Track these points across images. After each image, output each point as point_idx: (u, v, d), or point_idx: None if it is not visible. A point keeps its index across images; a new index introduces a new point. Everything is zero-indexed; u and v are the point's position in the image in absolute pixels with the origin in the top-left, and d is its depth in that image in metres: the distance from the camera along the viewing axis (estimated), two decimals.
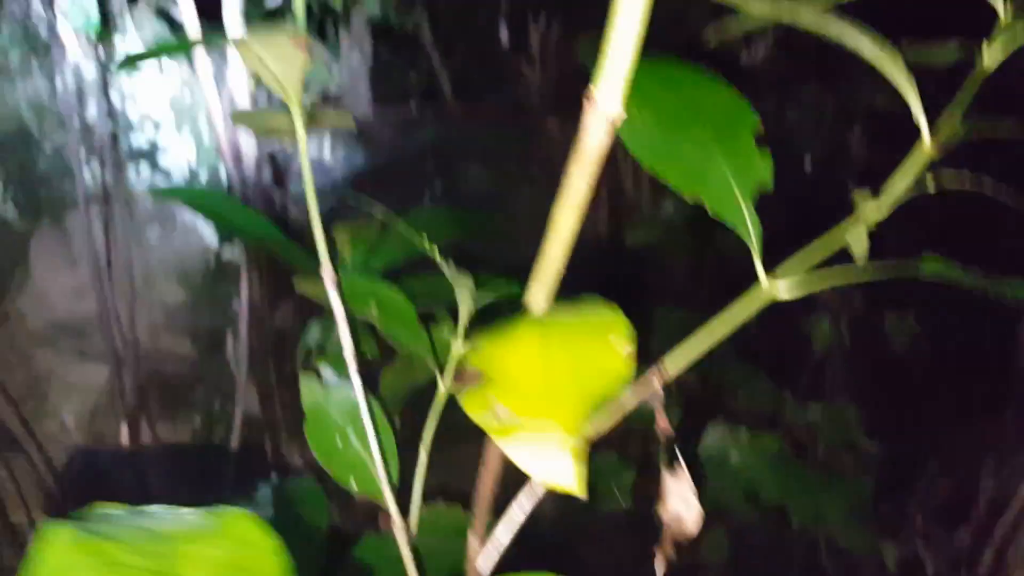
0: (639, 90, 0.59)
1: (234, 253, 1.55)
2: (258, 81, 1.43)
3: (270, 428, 1.58)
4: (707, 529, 1.65)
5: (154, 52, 0.40)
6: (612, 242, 2.06)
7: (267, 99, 1.44)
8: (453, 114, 2.08)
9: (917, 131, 0.55)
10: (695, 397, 1.55)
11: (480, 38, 2.25)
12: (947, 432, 1.75)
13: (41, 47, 1.38)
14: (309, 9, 1.58)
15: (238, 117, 0.69)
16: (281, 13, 1.88)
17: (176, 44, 0.42)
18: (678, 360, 0.55)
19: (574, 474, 0.34)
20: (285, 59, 0.53)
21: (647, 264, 1.97)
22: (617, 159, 2.20)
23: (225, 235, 1.49)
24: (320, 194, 1.07)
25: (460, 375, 0.38)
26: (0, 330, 1.48)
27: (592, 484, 1.62)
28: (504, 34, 2.00)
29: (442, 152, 2.00)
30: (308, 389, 0.72)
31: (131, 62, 0.38)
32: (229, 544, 0.39)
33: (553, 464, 0.35)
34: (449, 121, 2.09)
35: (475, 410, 0.37)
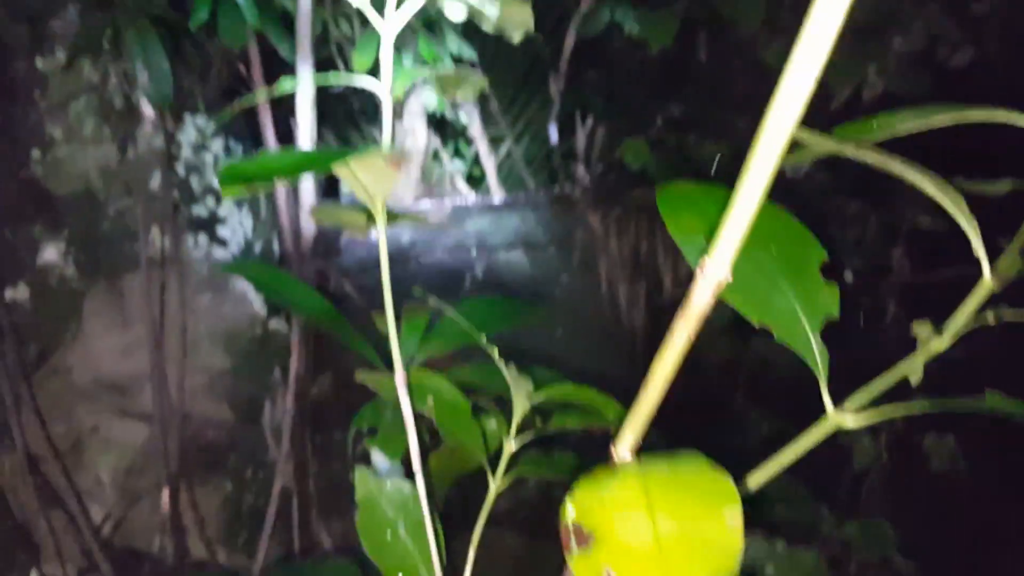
0: (707, 217, 0.60)
1: (281, 324, 1.57)
2: None
3: (301, 500, 1.59)
4: None
5: (260, 174, 0.42)
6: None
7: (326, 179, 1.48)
8: (499, 202, 2.13)
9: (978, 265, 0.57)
10: None
11: (530, 133, 2.31)
12: (983, 555, 1.72)
13: (115, 116, 1.44)
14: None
15: (318, 212, 0.72)
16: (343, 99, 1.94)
17: (283, 165, 0.44)
18: (749, 486, 0.56)
19: None
20: (378, 174, 0.56)
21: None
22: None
23: (274, 307, 1.52)
24: (371, 273, 1.10)
25: (571, 533, 0.38)
26: (49, 383, 1.51)
27: None
28: (553, 132, 2.06)
29: (486, 238, 2.04)
30: (362, 481, 0.72)
31: (234, 182, 0.40)
32: None
33: None
34: (494, 209, 2.13)
35: (583, 573, 0.37)
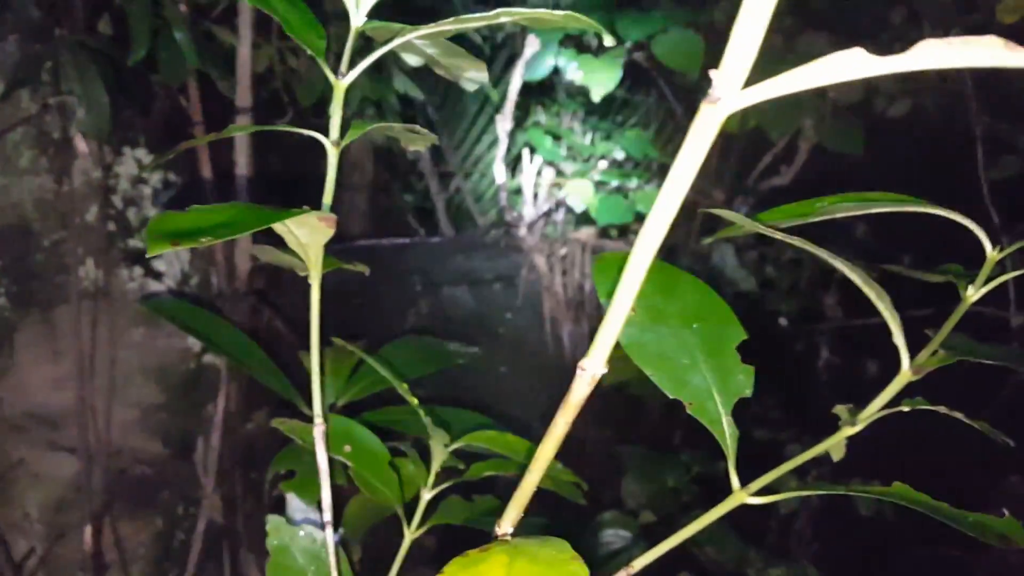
0: (641, 292, 0.62)
1: (215, 358, 1.57)
2: None
3: (231, 537, 1.57)
4: None
5: (190, 232, 0.42)
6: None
7: None
8: (445, 238, 2.14)
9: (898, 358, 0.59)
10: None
11: (479, 171, 2.33)
12: None
13: (52, 148, 1.43)
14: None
15: (257, 251, 0.72)
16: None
17: (215, 223, 0.44)
18: (648, 558, 0.58)
19: None
20: (312, 229, 0.57)
21: (622, 399, 1.99)
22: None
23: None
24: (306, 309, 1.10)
25: None
26: None
27: None
28: (500, 172, 2.08)
29: (430, 274, 2.05)
30: (275, 529, 0.73)
31: (163, 239, 0.40)
32: None
33: None
34: (440, 245, 2.14)
35: None
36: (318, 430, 0.65)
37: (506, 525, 0.45)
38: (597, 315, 2.22)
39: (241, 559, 1.55)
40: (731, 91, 0.32)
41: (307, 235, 0.56)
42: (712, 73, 0.31)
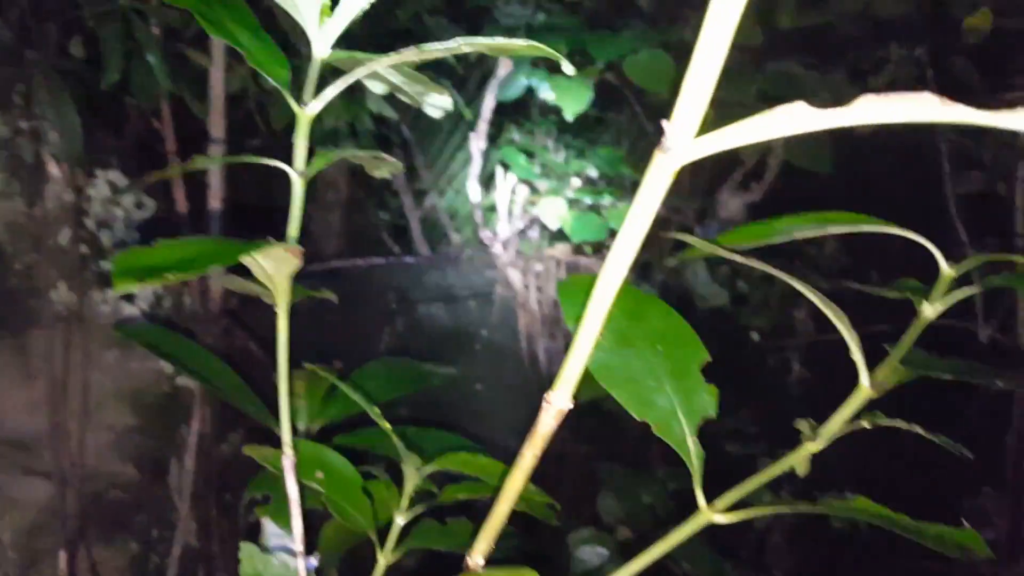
0: (608, 316, 0.63)
1: (189, 381, 1.56)
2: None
3: (206, 561, 1.56)
4: None
5: (157, 269, 0.42)
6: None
7: None
8: (420, 258, 2.15)
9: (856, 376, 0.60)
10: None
11: (454, 188, 2.34)
12: None
13: (24, 171, 1.43)
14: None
15: (224, 281, 0.73)
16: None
17: (182, 259, 0.45)
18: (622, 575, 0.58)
19: None
20: (278, 260, 0.57)
21: (598, 416, 2.00)
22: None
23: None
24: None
25: None
26: None
27: None
28: (474, 190, 2.09)
29: (404, 291, 2.06)
30: (248, 557, 0.73)
31: (128, 276, 0.40)
32: None
33: None
34: (415, 267, 2.15)
35: None
36: (287, 461, 0.65)
37: (477, 556, 0.46)
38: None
39: None
40: (683, 141, 0.33)
41: (273, 266, 0.56)
42: (664, 124, 0.33)
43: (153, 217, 1.53)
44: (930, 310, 0.60)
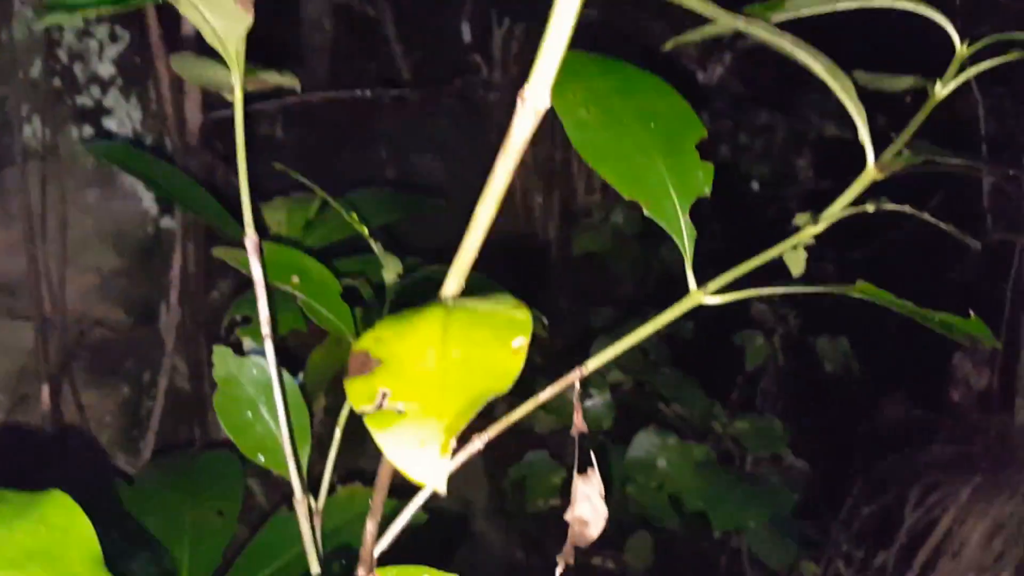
0: (591, 91, 0.59)
1: (173, 222, 1.52)
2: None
3: (197, 403, 1.56)
4: (631, 534, 1.67)
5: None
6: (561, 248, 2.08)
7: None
8: (410, 103, 2.07)
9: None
10: (630, 403, 1.56)
11: (443, 33, 2.25)
12: (874, 457, 1.78)
13: None
14: None
15: (175, 62, 0.67)
16: None
17: None
18: (601, 357, 0.56)
19: (438, 469, 0.33)
20: (227, 16, 0.52)
21: (593, 269, 1.98)
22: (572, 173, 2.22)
23: (164, 202, 1.46)
24: (267, 170, 1.06)
25: (355, 360, 0.37)
26: None
27: (521, 481, 1.63)
28: (466, 30, 2.00)
29: (395, 138, 2.00)
30: (221, 359, 0.70)
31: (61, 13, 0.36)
32: (41, 529, 0.37)
33: (418, 458, 0.33)
34: (405, 109, 2.08)
35: (357, 397, 0.36)
36: (250, 242, 0.61)
37: (450, 286, 0.42)
38: (568, 185, 2.19)
39: (209, 422, 1.54)
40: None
41: (224, 25, 0.51)
42: None
43: (128, 49, 1.46)
44: (941, 88, 0.56)
